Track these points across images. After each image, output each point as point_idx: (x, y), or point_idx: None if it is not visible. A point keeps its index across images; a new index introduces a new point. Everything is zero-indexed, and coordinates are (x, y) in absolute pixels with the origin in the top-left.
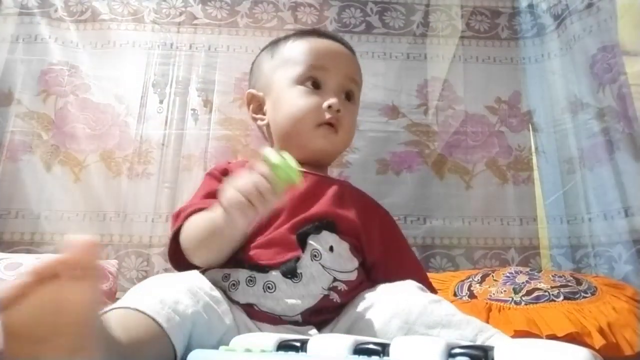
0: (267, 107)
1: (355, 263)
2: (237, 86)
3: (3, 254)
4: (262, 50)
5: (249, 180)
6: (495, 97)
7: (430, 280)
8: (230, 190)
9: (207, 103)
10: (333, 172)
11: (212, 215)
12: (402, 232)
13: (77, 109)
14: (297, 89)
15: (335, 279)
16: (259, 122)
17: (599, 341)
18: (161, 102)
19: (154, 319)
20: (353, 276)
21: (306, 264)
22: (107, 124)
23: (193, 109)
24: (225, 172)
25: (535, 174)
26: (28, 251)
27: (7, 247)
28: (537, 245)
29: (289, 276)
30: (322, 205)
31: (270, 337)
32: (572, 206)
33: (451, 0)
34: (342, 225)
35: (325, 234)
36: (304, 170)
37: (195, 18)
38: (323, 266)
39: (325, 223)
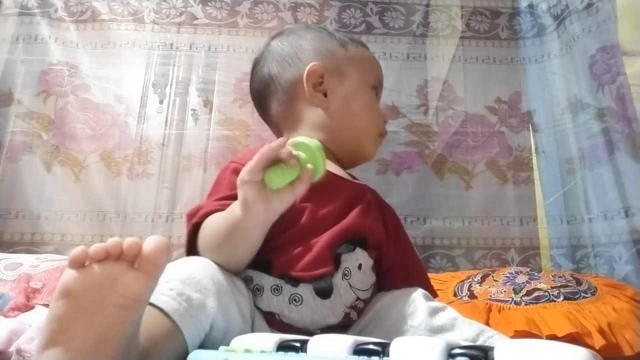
0: (336, 92)
1: (373, 279)
2: (237, 86)
3: (3, 254)
4: (309, 29)
5: (266, 149)
6: (495, 97)
7: (431, 281)
8: (247, 164)
9: (207, 103)
10: None
11: (229, 211)
12: None
13: (77, 109)
14: (372, 94)
15: (357, 298)
16: (318, 102)
17: (599, 341)
18: (161, 102)
19: (172, 319)
20: (369, 293)
21: (337, 283)
22: (107, 124)
23: (193, 109)
24: None
25: (535, 174)
26: (28, 251)
27: (7, 247)
28: (537, 246)
29: (322, 295)
30: (353, 217)
31: (270, 337)
32: (572, 206)
33: (451, 0)
34: (372, 240)
35: (358, 251)
36: (344, 177)
37: (195, 18)
38: (350, 285)
39: (359, 240)
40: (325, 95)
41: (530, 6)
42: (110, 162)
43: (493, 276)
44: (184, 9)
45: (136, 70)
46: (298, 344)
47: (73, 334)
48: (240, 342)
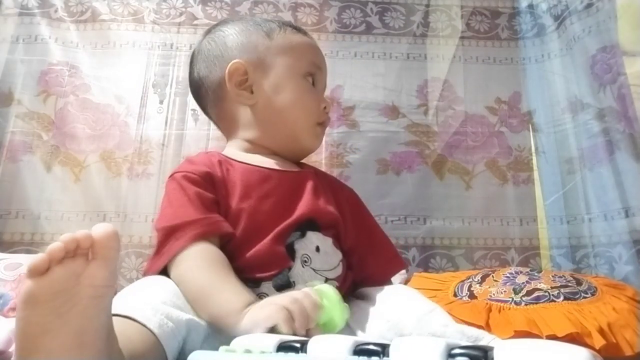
0: (261, 87)
1: (339, 255)
2: None
3: (3, 254)
4: (237, 22)
5: (298, 298)
6: (495, 97)
7: (431, 281)
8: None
9: None
10: (333, 172)
11: (220, 296)
12: (402, 232)
13: (77, 109)
14: (303, 82)
15: (327, 279)
16: (244, 100)
17: (599, 341)
18: (161, 102)
19: (147, 327)
20: (340, 270)
21: (298, 272)
22: (107, 124)
23: (193, 109)
24: (208, 177)
25: (535, 174)
26: (28, 251)
27: (7, 247)
28: (537, 246)
29: (283, 289)
30: (303, 206)
31: (270, 337)
32: (572, 206)
33: (451, 0)
34: (323, 220)
35: (309, 234)
36: (280, 169)
37: (196, 18)
38: (314, 270)
39: (307, 223)
40: (252, 91)
41: (530, 6)
42: (110, 162)
43: (493, 276)
44: (184, 9)
45: (136, 70)
46: (298, 345)
47: (53, 335)
48: (241, 342)
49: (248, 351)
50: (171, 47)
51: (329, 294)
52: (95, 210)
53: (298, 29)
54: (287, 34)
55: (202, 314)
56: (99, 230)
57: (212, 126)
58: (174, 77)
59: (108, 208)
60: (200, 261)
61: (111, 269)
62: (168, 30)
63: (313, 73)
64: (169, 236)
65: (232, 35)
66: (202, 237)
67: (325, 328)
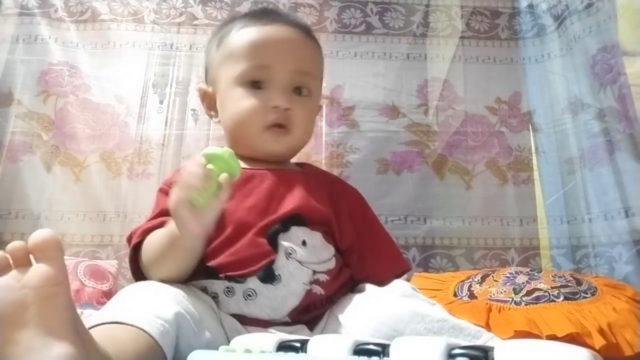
0: (217, 104)
1: (331, 250)
2: None
3: None
4: (213, 34)
5: (185, 174)
6: (495, 97)
7: (431, 281)
8: (173, 192)
9: None
10: (333, 172)
11: (168, 228)
12: (402, 232)
13: (77, 109)
14: (238, 90)
15: (315, 272)
16: (214, 120)
17: (599, 341)
18: (161, 102)
19: (135, 326)
20: (332, 264)
21: (282, 264)
22: (107, 124)
23: (193, 109)
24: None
25: (536, 174)
26: None
27: None
28: (537, 246)
29: (268, 281)
30: (289, 203)
31: (270, 337)
32: (572, 206)
33: (451, 0)
34: (311, 217)
35: (294, 229)
36: (262, 168)
37: (196, 18)
38: (300, 262)
39: (292, 218)
40: (217, 110)
41: (530, 6)
42: (110, 162)
43: (493, 276)
44: (184, 9)
45: (136, 70)
46: (298, 344)
47: (17, 344)
48: (240, 342)
49: (248, 351)
50: (171, 47)
51: (215, 153)
52: (95, 210)
53: (256, 18)
54: (232, 35)
55: (174, 252)
56: (37, 236)
57: (212, 126)
58: (174, 77)
59: (108, 208)
60: (151, 237)
61: (57, 268)
62: (168, 30)
63: (255, 76)
64: (128, 243)
65: (207, 51)
66: (150, 232)
67: (230, 176)
